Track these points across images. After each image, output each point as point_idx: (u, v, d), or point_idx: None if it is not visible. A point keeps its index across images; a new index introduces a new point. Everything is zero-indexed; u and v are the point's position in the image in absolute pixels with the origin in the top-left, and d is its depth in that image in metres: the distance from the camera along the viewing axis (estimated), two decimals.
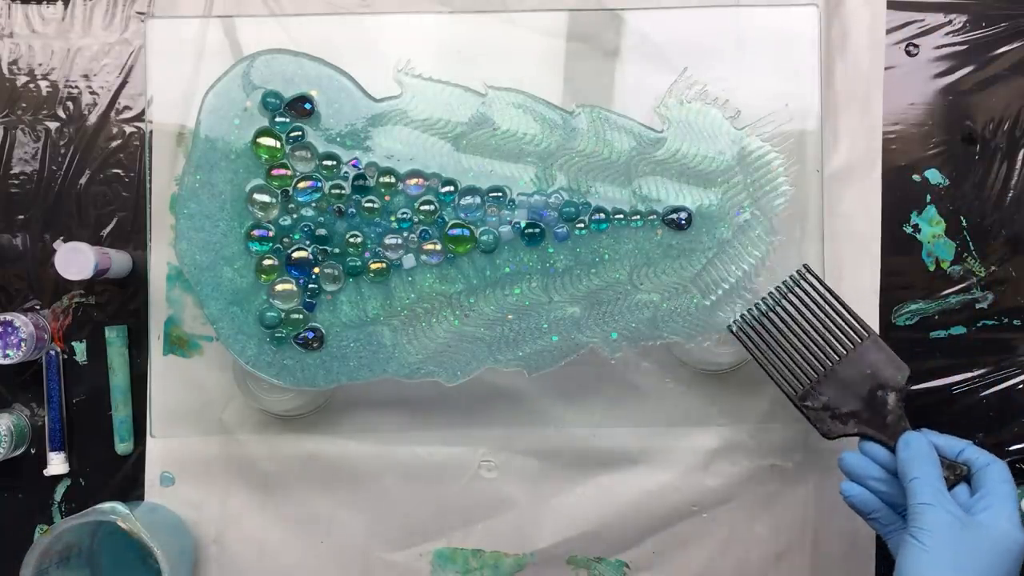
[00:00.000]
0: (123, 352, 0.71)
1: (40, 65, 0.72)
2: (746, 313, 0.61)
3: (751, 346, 0.61)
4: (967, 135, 0.72)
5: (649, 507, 0.70)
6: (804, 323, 0.61)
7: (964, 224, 0.71)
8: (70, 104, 0.72)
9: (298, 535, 0.70)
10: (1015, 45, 0.72)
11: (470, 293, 0.63)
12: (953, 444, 0.58)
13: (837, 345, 0.60)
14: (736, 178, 0.62)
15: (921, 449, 0.56)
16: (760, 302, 0.61)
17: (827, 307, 0.61)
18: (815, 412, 0.60)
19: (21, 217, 0.72)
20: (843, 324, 0.61)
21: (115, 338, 0.70)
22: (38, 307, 0.71)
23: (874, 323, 0.70)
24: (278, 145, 0.62)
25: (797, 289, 0.61)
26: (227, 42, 0.66)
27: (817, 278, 0.61)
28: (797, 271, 0.61)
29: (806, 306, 0.61)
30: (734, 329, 0.61)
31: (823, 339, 0.60)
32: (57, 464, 0.70)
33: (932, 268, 0.71)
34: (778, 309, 0.61)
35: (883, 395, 0.59)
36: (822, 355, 0.60)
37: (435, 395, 0.66)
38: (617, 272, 0.63)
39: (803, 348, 0.60)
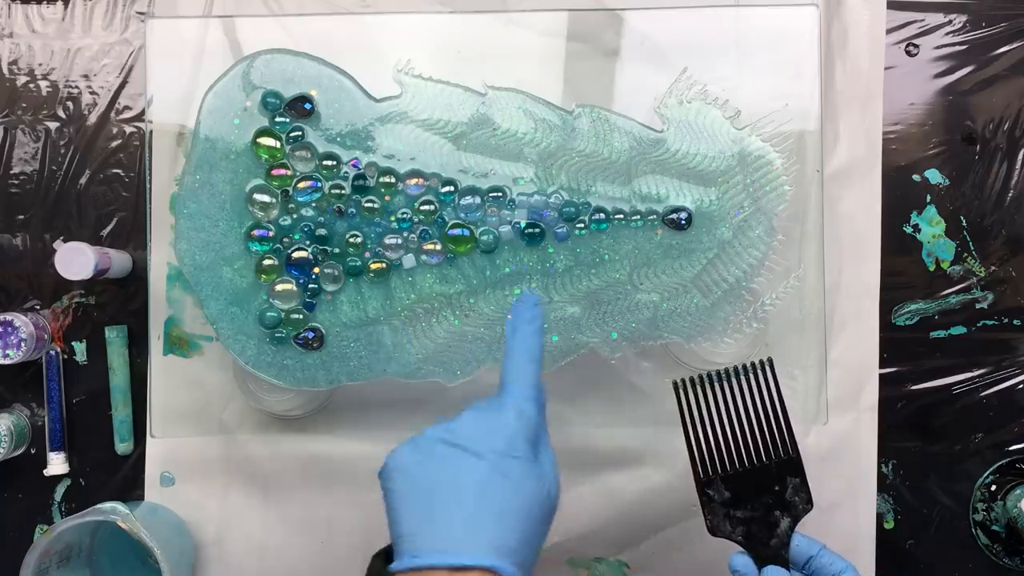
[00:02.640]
0: (123, 352, 0.71)
1: (40, 65, 0.72)
2: (695, 377, 0.59)
3: (685, 409, 0.58)
4: (967, 135, 0.72)
5: (649, 507, 0.70)
6: (743, 414, 0.58)
7: (964, 224, 0.71)
8: (70, 104, 0.72)
9: (298, 535, 0.70)
10: (1015, 45, 0.72)
11: (470, 293, 0.62)
12: (807, 549, 0.55)
13: (763, 450, 0.58)
14: (736, 178, 0.62)
15: None
16: (712, 373, 0.59)
17: (771, 410, 0.58)
18: (713, 503, 0.57)
19: (21, 217, 0.72)
20: (777, 433, 0.58)
21: (115, 338, 0.70)
22: (38, 307, 0.71)
23: (874, 323, 0.70)
24: (278, 145, 0.62)
25: (752, 377, 0.58)
26: (227, 42, 0.66)
27: (776, 378, 0.58)
28: (761, 361, 0.59)
29: (753, 399, 0.58)
30: (677, 385, 0.58)
31: (753, 438, 0.58)
32: (57, 464, 0.70)
33: (932, 268, 0.71)
34: (726, 387, 0.58)
35: (778, 517, 0.56)
36: (744, 453, 0.58)
37: (435, 395, 0.66)
38: (617, 272, 0.63)
39: (731, 437, 0.58)
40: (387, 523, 0.49)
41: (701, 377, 0.58)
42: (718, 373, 0.59)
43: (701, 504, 0.57)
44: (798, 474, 0.57)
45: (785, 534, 0.56)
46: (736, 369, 0.59)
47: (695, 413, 0.58)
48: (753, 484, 0.57)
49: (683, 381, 0.58)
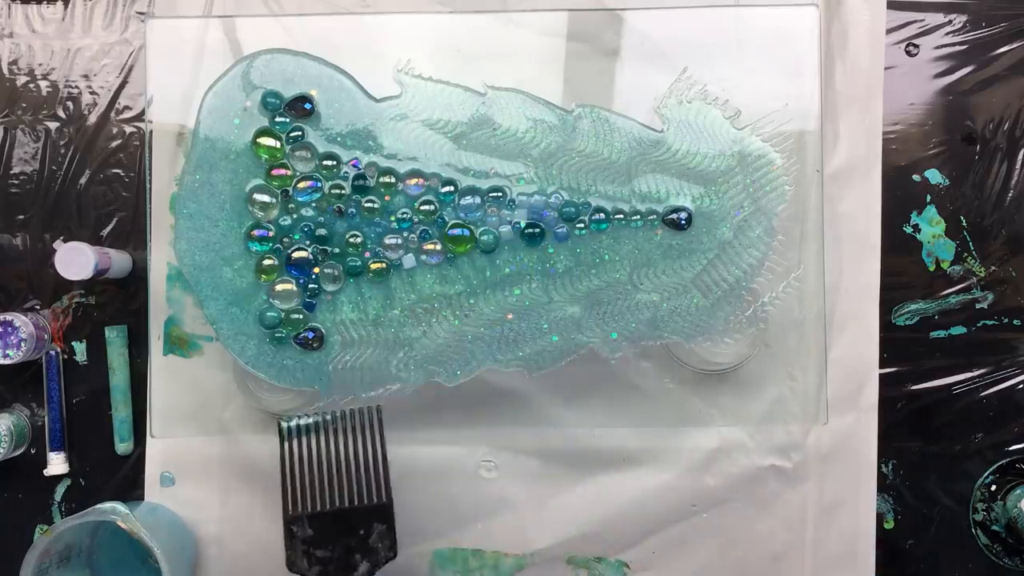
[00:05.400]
0: (123, 352, 0.71)
1: (40, 65, 0.72)
2: (305, 416, 0.60)
3: (286, 449, 0.59)
4: (967, 135, 0.72)
5: (649, 507, 0.70)
6: (344, 458, 0.59)
7: (964, 224, 0.71)
8: (70, 104, 0.72)
9: None
10: (1015, 45, 0.72)
11: (470, 293, 0.63)
12: None
13: (355, 494, 0.58)
14: (736, 178, 0.62)
15: None
16: (321, 420, 0.60)
17: (371, 455, 0.59)
18: (294, 540, 0.57)
19: (21, 217, 0.72)
20: (374, 479, 0.59)
21: (115, 338, 0.70)
22: (38, 307, 0.71)
23: (874, 323, 0.70)
24: (278, 145, 0.62)
25: (359, 422, 0.60)
26: (227, 42, 0.66)
27: (381, 425, 0.60)
28: (371, 408, 0.60)
29: (357, 443, 0.59)
30: (282, 427, 0.60)
31: (348, 481, 0.59)
32: (57, 464, 0.70)
33: (932, 268, 0.71)
34: (331, 430, 0.60)
35: (358, 561, 0.57)
36: (336, 494, 0.59)
37: (435, 395, 0.66)
38: (617, 272, 0.63)
39: (326, 478, 0.59)
40: None
41: (308, 425, 0.60)
42: (327, 419, 0.60)
43: (284, 539, 0.58)
44: (386, 521, 0.58)
45: None
46: (345, 414, 0.60)
47: (295, 453, 0.59)
48: (340, 526, 0.58)
49: (290, 426, 0.60)
